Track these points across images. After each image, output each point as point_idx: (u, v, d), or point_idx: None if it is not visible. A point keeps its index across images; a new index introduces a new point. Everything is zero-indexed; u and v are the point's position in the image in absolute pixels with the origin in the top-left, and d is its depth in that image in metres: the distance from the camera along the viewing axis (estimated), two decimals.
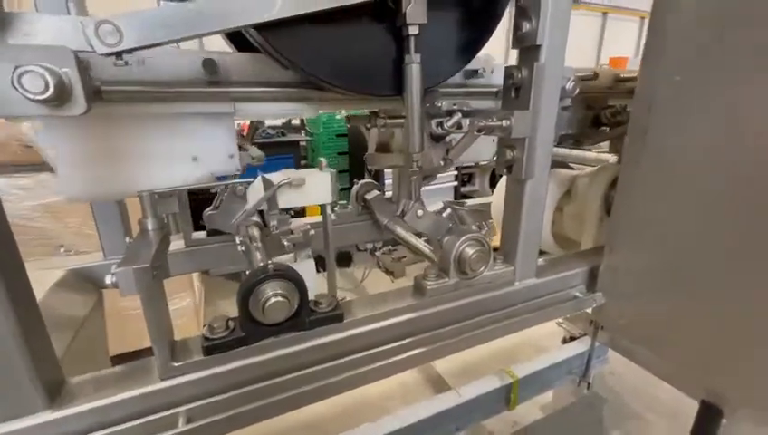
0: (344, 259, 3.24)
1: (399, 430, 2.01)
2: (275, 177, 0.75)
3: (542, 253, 1.35)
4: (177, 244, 1.07)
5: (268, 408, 0.63)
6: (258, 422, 0.64)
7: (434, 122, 0.81)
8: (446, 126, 0.80)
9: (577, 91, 0.87)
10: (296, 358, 0.67)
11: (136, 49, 0.54)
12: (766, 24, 0.62)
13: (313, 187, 0.76)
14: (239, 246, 0.80)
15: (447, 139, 0.85)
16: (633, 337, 0.94)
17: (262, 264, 0.67)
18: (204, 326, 0.64)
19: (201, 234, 1.10)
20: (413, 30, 0.66)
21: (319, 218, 1.22)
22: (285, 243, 0.78)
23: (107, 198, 0.74)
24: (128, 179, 0.70)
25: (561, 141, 1.19)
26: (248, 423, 0.63)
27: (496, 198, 1.27)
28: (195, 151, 0.74)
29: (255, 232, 0.81)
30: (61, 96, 0.47)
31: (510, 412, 2.53)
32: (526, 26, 0.71)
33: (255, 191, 0.77)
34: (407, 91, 0.70)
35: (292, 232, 0.81)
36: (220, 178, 0.79)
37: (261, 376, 0.65)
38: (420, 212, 0.73)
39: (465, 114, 0.82)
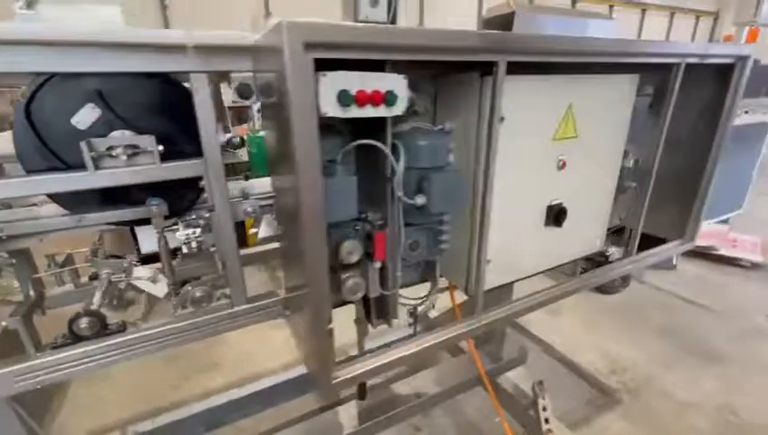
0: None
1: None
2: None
3: None
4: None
5: (84, 370, 1.49)
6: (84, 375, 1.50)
7: None
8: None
9: None
10: (98, 346, 1.51)
11: None
12: None
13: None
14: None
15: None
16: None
17: (95, 301, 1.51)
18: (53, 339, 1.48)
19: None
20: None
21: None
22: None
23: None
24: None
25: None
26: (82, 374, 1.49)
27: None
28: None
29: (105, 278, 1.66)
30: None
31: None
32: None
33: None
34: None
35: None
36: None
37: (82, 356, 1.49)
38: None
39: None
